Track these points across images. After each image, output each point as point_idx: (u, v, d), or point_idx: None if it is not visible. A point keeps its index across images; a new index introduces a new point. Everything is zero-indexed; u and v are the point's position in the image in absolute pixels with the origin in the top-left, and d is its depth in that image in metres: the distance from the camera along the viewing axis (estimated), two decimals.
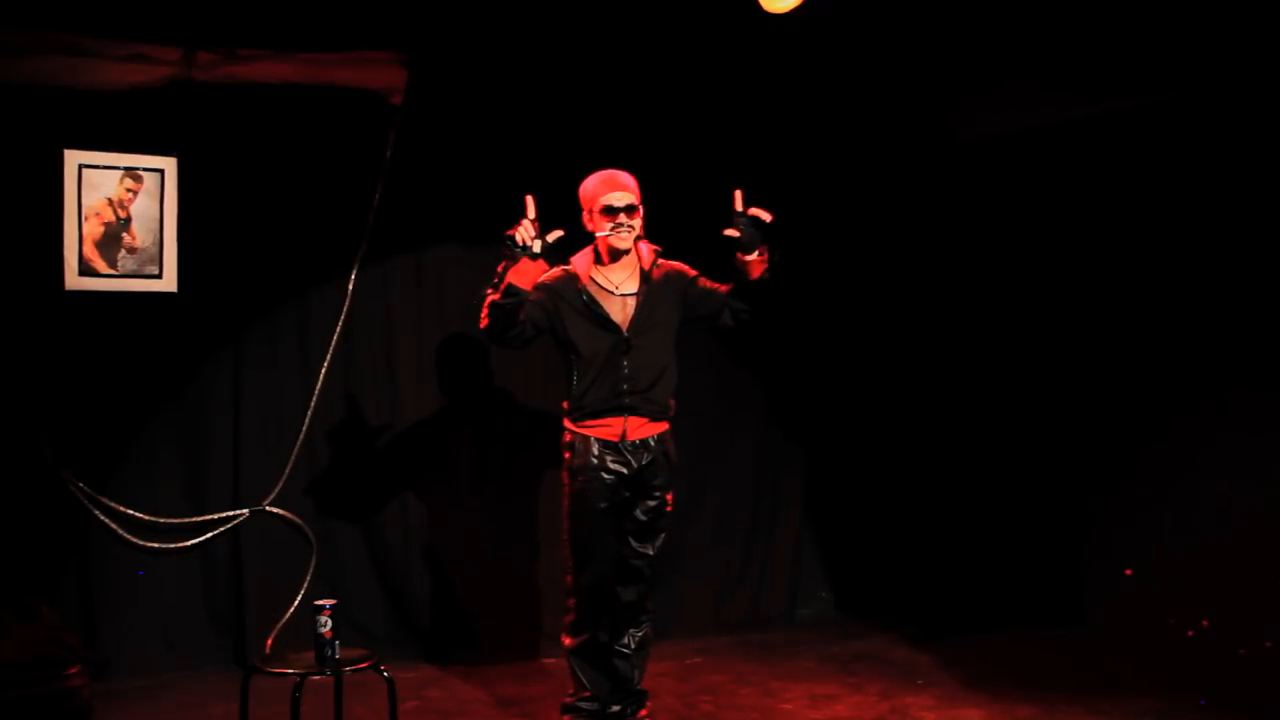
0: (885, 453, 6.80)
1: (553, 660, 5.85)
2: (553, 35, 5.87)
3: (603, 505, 4.54)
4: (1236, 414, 5.51)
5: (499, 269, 4.48)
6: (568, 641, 4.66)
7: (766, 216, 4.46)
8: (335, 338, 5.92)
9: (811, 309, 6.58)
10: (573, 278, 4.57)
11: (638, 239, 4.59)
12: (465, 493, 6.07)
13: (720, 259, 4.61)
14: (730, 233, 4.48)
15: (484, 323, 4.56)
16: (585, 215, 4.58)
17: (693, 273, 4.70)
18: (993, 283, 6.49)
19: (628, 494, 4.56)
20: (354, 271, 5.94)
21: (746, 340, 6.50)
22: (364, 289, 5.98)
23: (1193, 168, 5.64)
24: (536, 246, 4.43)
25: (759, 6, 4.75)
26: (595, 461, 4.52)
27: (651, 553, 4.63)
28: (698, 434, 6.05)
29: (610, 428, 4.53)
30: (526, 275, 4.45)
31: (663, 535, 4.68)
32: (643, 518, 4.59)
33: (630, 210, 4.52)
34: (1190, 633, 5.59)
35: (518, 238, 4.42)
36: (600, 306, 4.54)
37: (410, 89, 5.80)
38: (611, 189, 4.53)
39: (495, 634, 5.96)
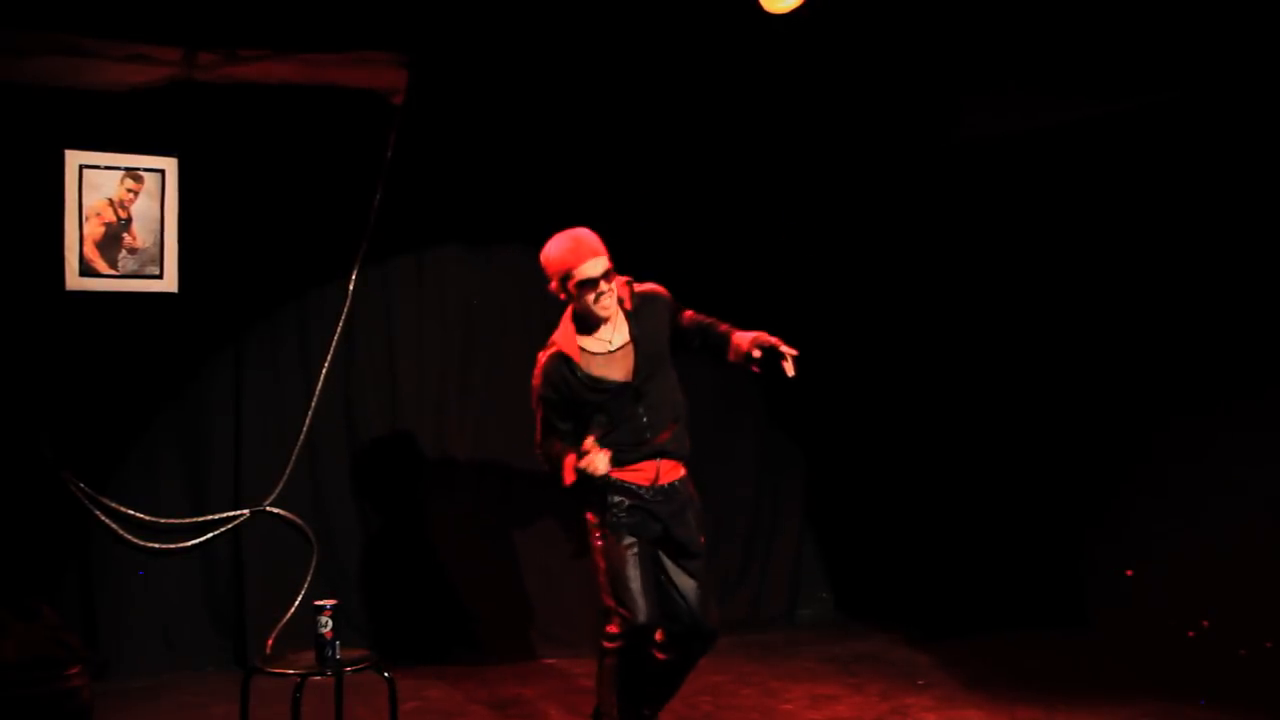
0: (886, 454, 6.79)
1: (553, 660, 5.86)
2: (553, 36, 5.87)
3: (638, 532, 4.30)
4: (1237, 414, 5.51)
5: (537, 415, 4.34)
6: (608, 662, 4.33)
7: (788, 365, 4.29)
8: (336, 338, 5.92)
9: (812, 309, 6.57)
10: (564, 360, 4.30)
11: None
12: (465, 492, 6.07)
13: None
14: (756, 353, 4.26)
15: (568, 479, 4.28)
16: (554, 284, 4.28)
17: (667, 295, 4.44)
18: (993, 284, 6.48)
19: (659, 529, 4.34)
20: (354, 272, 5.94)
21: None
22: (364, 289, 5.98)
23: (1192, 169, 5.64)
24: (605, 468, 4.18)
25: (759, 7, 4.75)
26: (626, 501, 4.28)
27: (698, 587, 4.37)
28: (698, 434, 6.03)
29: (642, 473, 4.31)
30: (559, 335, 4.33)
31: (701, 568, 4.41)
32: (677, 557, 4.36)
33: (607, 276, 4.23)
34: (1190, 633, 5.59)
35: (596, 472, 4.16)
36: (601, 379, 4.29)
37: (410, 89, 5.81)
38: (582, 259, 4.21)
39: (496, 634, 5.95)
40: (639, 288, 4.41)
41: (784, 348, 4.27)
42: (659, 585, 4.38)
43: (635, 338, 4.33)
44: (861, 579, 6.81)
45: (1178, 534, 5.74)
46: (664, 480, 4.34)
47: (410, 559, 6.01)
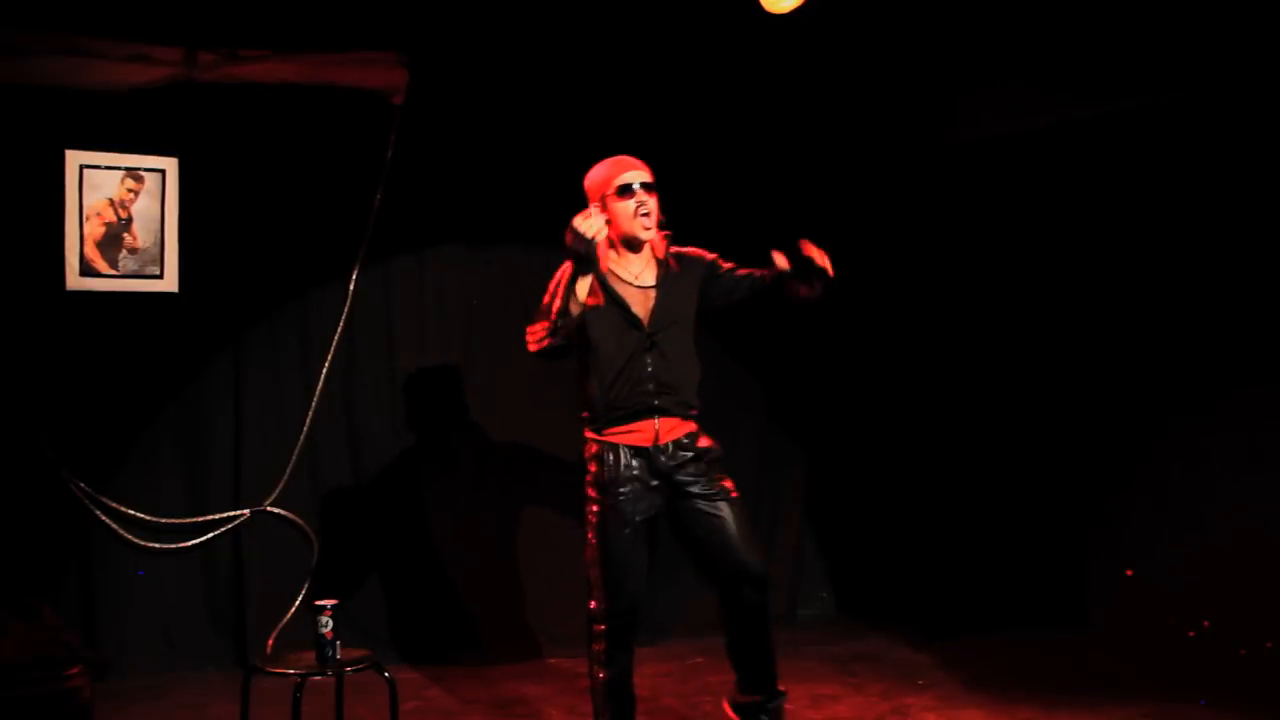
0: (886, 453, 6.80)
1: (554, 660, 5.86)
2: (553, 35, 5.87)
3: (638, 519, 4.19)
4: (1237, 414, 5.52)
5: (554, 284, 4.13)
6: (601, 675, 4.23)
7: (819, 257, 4.15)
8: (336, 338, 5.92)
9: (813, 308, 6.56)
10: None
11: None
12: (466, 492, 6.08)
13: (721, 259, 4.59)
14: (781, 261, 4.19)
15: (544, 343, 4.13)
16: (593, 202, 4.21)
17: (711, 257, 4.39)
18: (994, 284, 6.49)
19: (664, 500, 4.23)
20: (355, 271, 5.94)
21: (747, 340, 6.51)
22: (365, 289, 5.98)
23: (1191, 169, 5.64)
24: (601, 234, 3.98)
25: (760, 7, 4.75)
26: (627, 473, 4.17)
27: (746, 537, 4.21)
28: None
29: (640, 433, 4.20)
30: (584, 286, 4.10)
31: (744, 517, 4.25)
32: (705, 512, 4.21)
33: (648, 188, 4.19)
34: (1191, 633, 5.60)
35: (589, 230, 3.91)
36: (624, 300, 4.21)
37: (411, 89, 5.81)
38: (625, 168, 4.21)
39: (496, 634, 5.96)
40: (680, 249, 4.36)
41: (811, 249, 4.16)
42: (692, 543, 4.27)
43: (661, 285, 4.26)
44: (861, 579, 6.82)
45: (1178, 534, 5.75)
46: (665, 439, 4.21)
47: (410, 559, 6.01)
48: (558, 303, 4.08)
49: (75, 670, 4.25)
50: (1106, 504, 6.11)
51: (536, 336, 4.17)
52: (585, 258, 3.99)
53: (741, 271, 4.42)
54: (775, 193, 6.57)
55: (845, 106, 6.49)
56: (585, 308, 4.08)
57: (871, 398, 6.83)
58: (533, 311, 4.22)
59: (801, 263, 4.18)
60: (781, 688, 4.47)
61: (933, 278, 6.68)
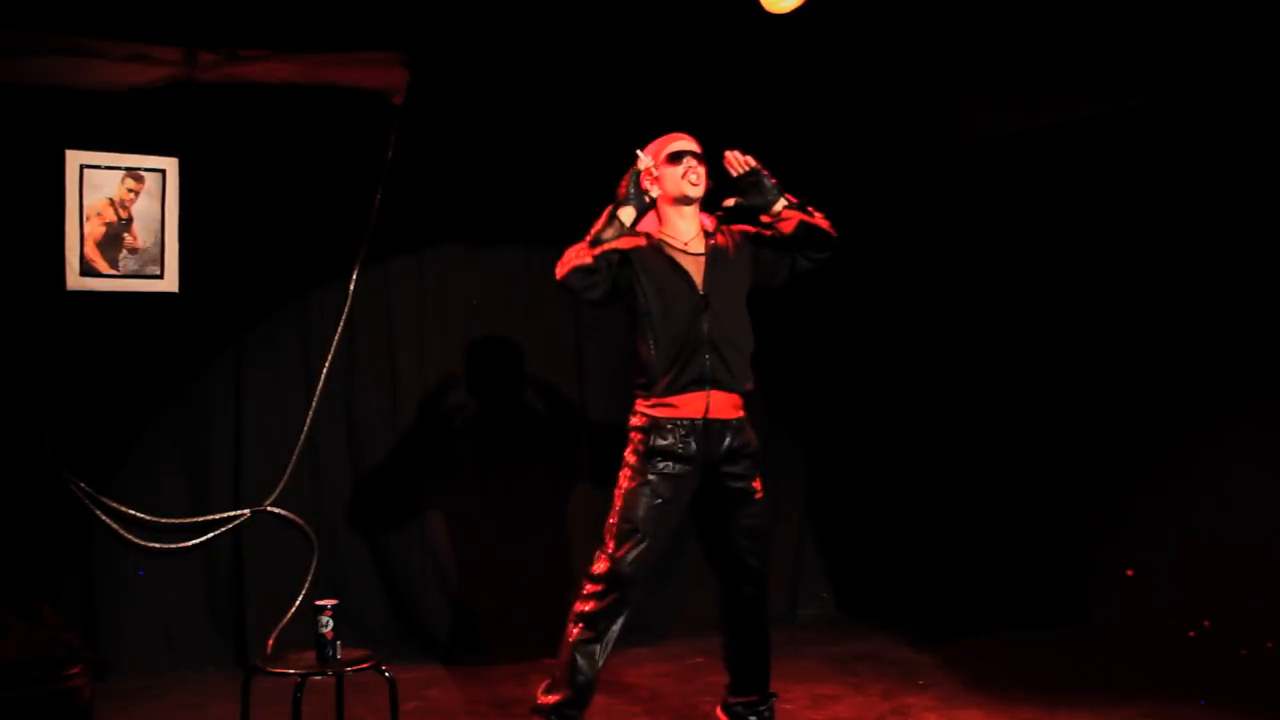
0: (887, 453, 6.80)
1: (554, 660, 5.85)
2: (553, 35, 5.87)
3: (670, 495, 4.20)
4: (1237, 415, 5.52)
5: (596, 229, 4.24)
6: (575, 631, 4.23)
7: (741, 162, 4.34)
8: (336, 338, 5.92)
9: (813, 309, 6.58)
10: (644, 237, 4.34)
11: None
12: (467, 492, 6.08)
13: None
14: (729, 202, 4.35)
15: (579, 260, 4.18)
16: (648, 181, 4.32)
17: (756, 230, 4.47)
18: (995, 284, 6.49)
19: (704, 484, 4.27)
20: (355, 271, 5.94)
21: None
22: (365, 289, 5.98)
23: (1191, 169, 5.64)
24: (653, 190, 4.29)
25: (760, 7, 4.75)
26: (672, 450, 4.18)
27: (759, 542, 4.34)
28: None
29: (692, 404, 4.20)
30: (628, 213, 4.27)
31: (762, 522, 4.37)
32: (732, 508, 4.29)
33: (698, 158, 4.34)
34: (1191, 633, 5.59)
35: (642, 162, 4.27)
36: (678, 262, 4.30)
37: (411, 89, 5.81)
38: (677, 138, 4.39)
39: (497, 634, 5.96)
40: (729, 226, 4.47)
41: (730, 162, 4.38)
42: (709, 532, 4.35)
43: (711, 252, 4.34)
44: (862, 579, 6.82)
45: (1178, 534, 5.74)
46: (715, 414, 4.24)
47: (410, 559, 6.01)
48: (600, 224, 4.24)
49: (75, 670, 4.26)
50: (1106, 504, 6.10)
51: (572, 255, 4.23)
52: (633, 195, 4.25)
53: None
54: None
55: (846, 106, 6.49)
56: (626, 229, 4.24)
57: (872, 397, 6.83)
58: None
59: (741, 187, 4.36)
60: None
61: (933, 277, 6.68)
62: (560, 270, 4.23)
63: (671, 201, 4.37)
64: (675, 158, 4.34)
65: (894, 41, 6.04)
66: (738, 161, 4.37)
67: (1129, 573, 5.96)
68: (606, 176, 4.40)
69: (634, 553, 4.17)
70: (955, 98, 6.24)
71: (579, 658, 4.23)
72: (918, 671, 5.57)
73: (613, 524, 4.23)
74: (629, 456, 4.27)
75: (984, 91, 6.10)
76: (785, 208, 4.36)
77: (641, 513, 4.18)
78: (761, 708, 4.49)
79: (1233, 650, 5.38)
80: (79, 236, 5.51)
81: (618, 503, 4.25)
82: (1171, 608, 5.69)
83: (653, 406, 4.24)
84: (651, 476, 4.20)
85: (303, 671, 3.99)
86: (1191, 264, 5.71)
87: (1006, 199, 6.38)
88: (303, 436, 5.87)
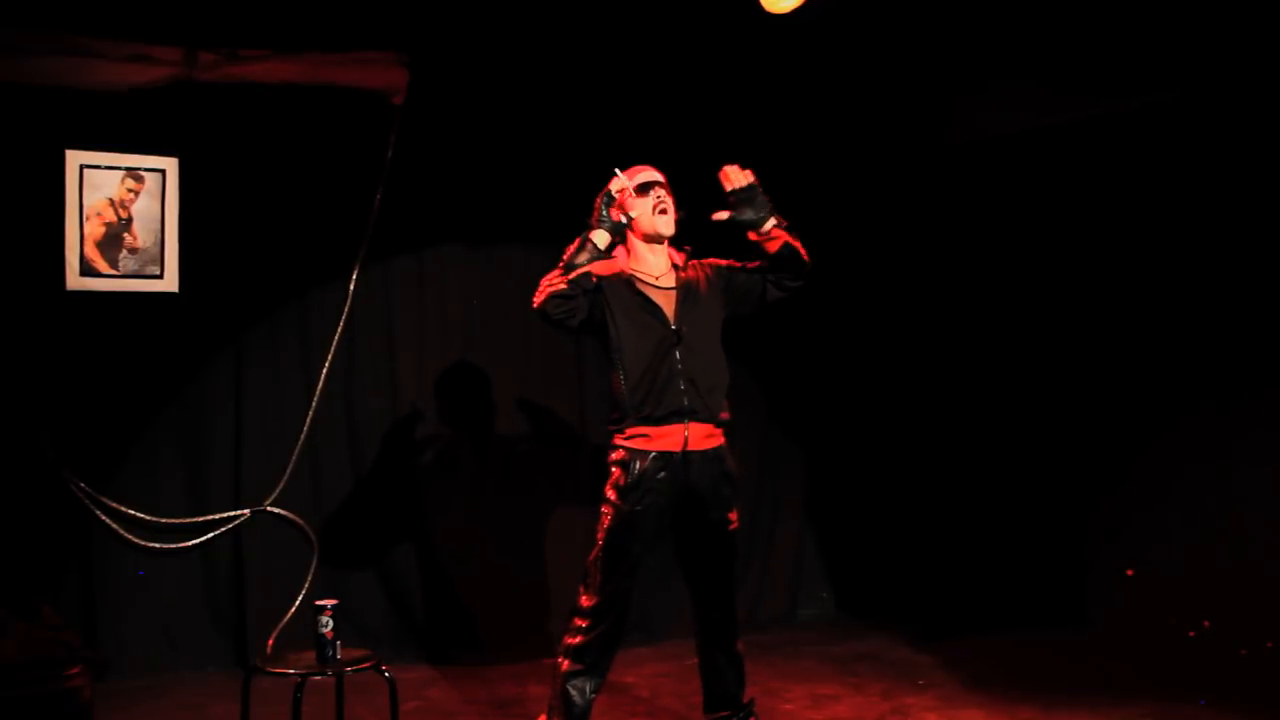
0: (886, 453, 6.80)
1: (553, 660, 5.85)
2: (553, 35, 5.87)
3: (652, 526, 4.26)
4: (1237, 414, 5.52)
5: (569, 254, 4.26)
6: (565, 665, 4.30)
7: (742, 178, 4.33)
8: (336, 338, 5.92)
9: (813, 309, 6.57)
10: (615, 272, 4.35)
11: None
12: (466, 492, 6.08)
13: (721, 259, 4.60)
14: (719, 215, 4.34)
15: (553, 288, 4.20)
16: (615, 213, 4.33)
17: (725, 262, 4.50)
18: (995, 284, 6.49)
19: (681, 513, 4.30)
20: (355, 272, 5.94)
21: (746, 340, 6.50)
22: (365, 289, 5.98)
23: (1190, 169, 5.64)
24: (634, 211, 4.30)
25: (760, 7, 4.75)
26: (649, 483, 4.20)
27: (728, 572, 4.42)
28: None
29: (669, 437, 4.23)
30: (601, 236, 4.28)
31: (732, 554, 4.44)
32: (707, 539, 4.34)
33: (664, 187, 4.36)
34: (1191, 633, 5.59)
35: (615, 185, 4.27)
36: (648, 297, 4.31)
37: (411, 89, 5.81)
38: (638, 170, 4.39)
39: (496, 634, 5.96)
40: (698, 260, 4.49)
41: (725, 177, 4.38)
42: (684, 556, 4.39)
43: (681, 285, 4.36)
44: (861, 579, 6.82)
45: (1178, 534, 5.74)
46: (694, 446, 4.26)
47: (410, 559, 6.01)
48: (573, 249, 4.25)
49: (75, 670, 4.26)
50: (1106, 504, 6.11)
51: (546, 283, 4.25)
52: (606, 218, 4.27)
53: (751, 266, 4.51)
54: (775, 193, 6.54)
55: (846, 106, 6.49)
56: (601, 253, 4.24)
57: (871, 398, 6.83)
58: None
59: (733, 202, 4.35)
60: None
61: (933, 277, 6.69)
62: (537, 299, 4.25)
63: (643, 237, 4.40)
64: (643, 189, 4.33)
65: (893, 42, 6.04)
66: (737, 176, 4.36)
67: (1129, 573, 5.96)
68: (606, 177, 4.41)
69: (618, 586, 4.24)
70: (954, 98, 6.24)
71: (571, 690, 4.32)
72: (918, 671, 5.57)
73: (595, 559, 4.26)
74: (608, 492, 4.27)
75: (983, 91, 6.10)
76: (774, 227, 4.38)
77: (623, 554, 4.23)
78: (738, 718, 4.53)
79: (1233, 650, 5.38)
80: (79, 236, 5.51)
81: (600, 538, 4.27)
82: (1171, 608, 5.69)
83: (629, 439, 4.26)
84: (629, 513, 4.21)
85: (303, 671, 3.99)
86: (1191, 264, 5.71)
87: (1006, 199, 6.38)
88: (303, 436, 5.87)
